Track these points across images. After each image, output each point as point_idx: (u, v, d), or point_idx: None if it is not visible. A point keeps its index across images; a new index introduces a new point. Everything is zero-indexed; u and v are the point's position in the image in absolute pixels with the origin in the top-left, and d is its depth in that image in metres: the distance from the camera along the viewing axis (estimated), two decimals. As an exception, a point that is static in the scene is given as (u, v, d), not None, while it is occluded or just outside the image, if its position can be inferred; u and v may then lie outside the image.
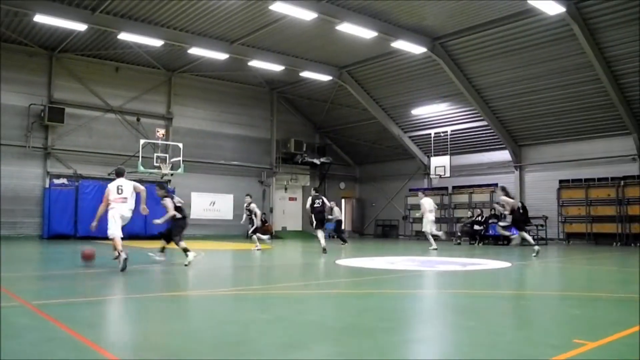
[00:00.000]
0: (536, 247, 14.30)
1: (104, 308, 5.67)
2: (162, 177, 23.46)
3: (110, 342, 3.97)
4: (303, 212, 30.45)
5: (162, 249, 11.08)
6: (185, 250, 10.43)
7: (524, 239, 14.72)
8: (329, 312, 5.61)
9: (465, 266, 11.24)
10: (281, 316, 5.34)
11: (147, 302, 6.33)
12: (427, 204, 17.67)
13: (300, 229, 29.99)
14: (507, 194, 15.04)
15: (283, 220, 29.24)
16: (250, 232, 15.89)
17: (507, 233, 16.05)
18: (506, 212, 14.65)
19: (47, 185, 21.62)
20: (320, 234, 15.14)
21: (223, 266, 12.02)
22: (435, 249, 16.56)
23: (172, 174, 22.89)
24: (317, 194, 15.63)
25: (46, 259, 13.22)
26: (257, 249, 15.59)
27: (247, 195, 16.59)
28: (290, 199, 30.04)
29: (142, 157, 21.10)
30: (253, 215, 15.83)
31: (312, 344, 4.12)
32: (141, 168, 21.00)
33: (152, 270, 10.16)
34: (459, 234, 22.98)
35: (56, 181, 21.66)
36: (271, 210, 28.32)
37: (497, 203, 16.18)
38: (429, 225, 17.50)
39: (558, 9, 16.31)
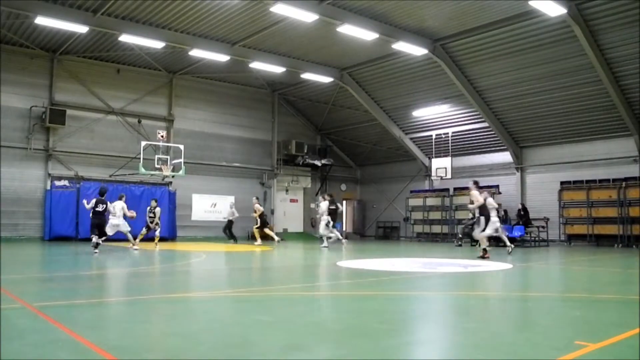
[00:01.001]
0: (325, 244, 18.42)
1: (105, 310, 5.68)
2: (163, 179, 23.50)
3: (111, 344, 3.97)
4: (304, 213, 30.50)
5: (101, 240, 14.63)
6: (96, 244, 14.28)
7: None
8: (330, 314, 5.61)
9: (466, 268, 11.22)
10: (282, 318, 5.34)
11: (148, 303, 6.33)
12: (325, 207, 19.28)
13: (301, 230, 30.00)
14: (332, 201, 18.93)
15: (284, 222, 29.22)
16: (157, 233, 17.52)
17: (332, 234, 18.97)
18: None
19: (48, 187, 21.66)
20: (268, 230, 20.52)
21: (224, 268, 12.02)
22: (327, 247, 18.01)
23: (173, 176, 22.91)
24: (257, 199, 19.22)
25: (47, 261, 13.23)
26: (135, 249, 16.16)
27: (153, 199, 18.01)
28: (292, 200, 30.03)
29: (143, 159, 21.10)
30: (157, 219, 17.43)
31: (313, 345, 4.12)
32: (142, 170, 21.01)
33: (153, 272, 10.18)
34: (460, 235, 22.94)
35: (57, 183, 21.71)
36: (272, 212, 28.32)
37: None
38: (323, 227, 19.18)
39: (559, 11, 16.33)
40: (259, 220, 20.60)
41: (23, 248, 16.77)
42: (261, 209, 20.81)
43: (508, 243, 15.43)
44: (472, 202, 14.34)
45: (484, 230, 13.75)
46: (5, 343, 3.88)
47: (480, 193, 13.90)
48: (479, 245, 14.52)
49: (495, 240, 21.89)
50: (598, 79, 19.28)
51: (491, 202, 14.72)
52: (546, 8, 16.24)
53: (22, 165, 21.45)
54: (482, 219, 13.81)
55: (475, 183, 14.60)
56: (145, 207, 20.32)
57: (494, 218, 14.21)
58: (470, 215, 23.08)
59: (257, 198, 21.81)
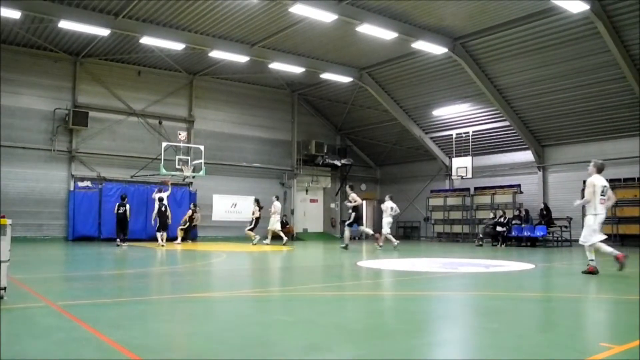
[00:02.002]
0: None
1: (128, 309, 5.74)
2: (183, 180, 23.70)
3: (134, 342, 4.01)
4: (324, 213, 30.50)
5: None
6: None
7: None
8: (350, 314, 5.60)
9: (488, 268, 11.13)
10: (303, 318, 5.35)
11: (170, 303, 6.39)
12: (276, 207, 20.52)
13: (321, 230, 29.99)
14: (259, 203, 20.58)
15: (304, 222, 29.26)
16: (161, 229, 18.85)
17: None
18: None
19: (71, 188, 21.98)
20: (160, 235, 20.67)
21: (244, 268, 12.08)
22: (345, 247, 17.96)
23: (193, 177, 23.08)
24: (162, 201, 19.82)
25: (71, 261, 13.43)
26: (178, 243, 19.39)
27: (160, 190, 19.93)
28: (312, 200, 30.04)
29: (164, 159, 21.31)
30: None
31: (334, 345, 4.11)
32: (163, 171, 21.21)
33: (175, 272, 10.27)
34: (481, 235, 22.75)
35: (80, 184, 22.01)
36: (292, 212, 28.38)
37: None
38: (276, 225, 20.33)
39: (582, 7, 16.07)
40: (188, 222, 22.03)
41: (47, 248, 17.04)
42: (193, 213, 22.27)
43: (394, 240, 18.48)
44: (350, 201, 17.68)
45: (350, 224, 17.61)
46: (30, 341, 3.95)
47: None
48: (371, 237, 18.84)
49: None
50: (622, 75, 18.95)
51: (388, 206, 18.75)
52: (568, 5, 16.00)
53: (46, 167, 21.81)
54: (353, 215, 17.43)
55: (351, 187, 18.26)
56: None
57: (388, 219, 18.51)
58: (491, 215, 22.93)
59: (195, 204, 22.87)
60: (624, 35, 17.67)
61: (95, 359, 3.61)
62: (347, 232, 18.07)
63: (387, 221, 18.68)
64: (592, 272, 9.26)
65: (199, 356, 3.72)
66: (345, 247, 17.08)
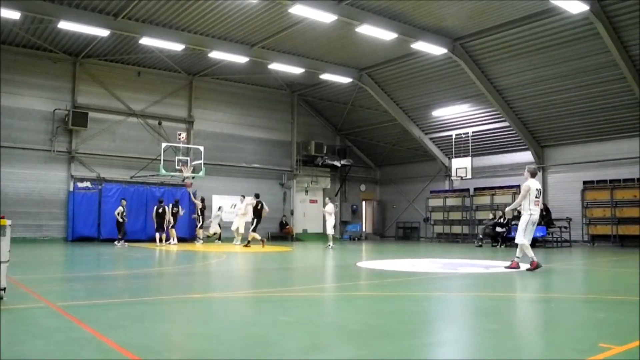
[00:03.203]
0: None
1: (128, 310, 5.73)
2: (183, 180, 23.69)
3: (133, 343, 4.01)
4: (324, 214, 30.46)
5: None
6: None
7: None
8: (350, 315, 5.59)
9: (487, 268, 11.12)
10: (302, 318, 5.35)
11: (170, 303, 6.38)
12: (245, 207, 20.66)
13: (321, 231, 29.95)
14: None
15: (303, 223, 29.25)
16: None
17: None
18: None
19: (71, 189, 21.98)
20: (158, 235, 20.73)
21: (244, 268, 12.07)
22: (246, 245, 19.00)
23: (193, 177, 23.08)
24: (161, 202, 20.87)
25: (71, 261, 13.41)
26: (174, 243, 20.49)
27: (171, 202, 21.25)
28: (311, 201, 30.03)
29: (163, 160, 21.31)
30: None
31: (333, 346, 4.11)
32: (163, 171, 21.21)
33: (175, 273, 10.27)
34: (480, 236, 22.75)
35: (80, 184, 22.02)
36: (292, 213, 28.37)
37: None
38: (240, 225, 20.51)
39: (581, 7, 16.09)
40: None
41: (47, 249, 17.03)
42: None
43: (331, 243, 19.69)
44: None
45: (254, 229, 18.82)
46: (30, 342, 3.95)
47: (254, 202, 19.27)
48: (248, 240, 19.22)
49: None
50: (622, 76, 18.97)
51: (330, 209, 19.94)
52: (568, 5, 16.02)
53: (46, 167, 21.81)
54: (255, 220, 18.88)
55: (242, 197, 20.71)
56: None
57: (332, 221, 19.91)
58: (491, 216, 22.94)
59: (176, 201, 21.99)
60: (623, 35, 17.69)
61: (95, 359, 3.61)
62: (254, 234, 18.94)
63: (331, 224, 19.97)
64: (536, 267, 9.88)
65: (199, 356, 3.72)
66: (247, 244, 18.90)
